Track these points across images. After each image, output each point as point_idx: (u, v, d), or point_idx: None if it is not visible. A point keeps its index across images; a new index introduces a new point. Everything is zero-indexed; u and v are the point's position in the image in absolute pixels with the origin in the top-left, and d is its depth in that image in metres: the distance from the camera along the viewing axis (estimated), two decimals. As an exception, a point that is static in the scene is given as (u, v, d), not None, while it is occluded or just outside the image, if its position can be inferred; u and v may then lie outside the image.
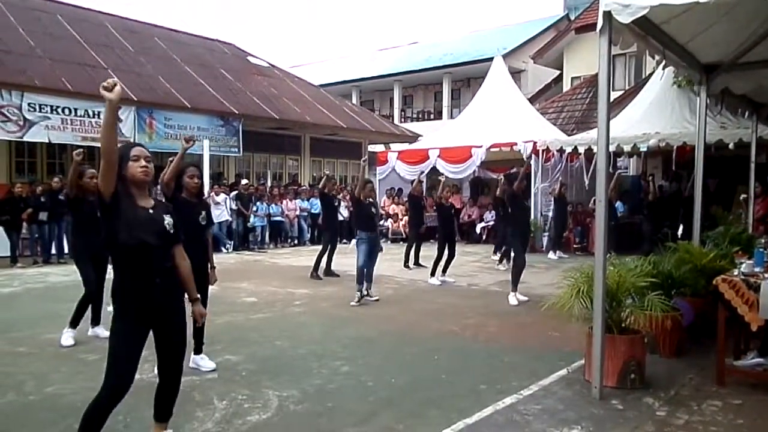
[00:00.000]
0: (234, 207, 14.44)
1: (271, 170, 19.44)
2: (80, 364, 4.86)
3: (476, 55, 26.98)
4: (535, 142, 13.88)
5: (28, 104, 12.45)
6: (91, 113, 13.35)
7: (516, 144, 14.20)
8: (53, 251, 11.74)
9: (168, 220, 3.04)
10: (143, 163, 2.96)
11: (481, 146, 14.81)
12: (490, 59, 19.09)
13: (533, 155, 13.87)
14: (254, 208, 14.75)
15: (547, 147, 13.80)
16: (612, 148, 10.64)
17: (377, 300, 7.85)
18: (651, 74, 14.58)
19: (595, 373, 4.16)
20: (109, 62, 15.59)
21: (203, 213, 4.77)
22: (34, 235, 11.72)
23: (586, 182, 13.30)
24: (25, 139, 12.63)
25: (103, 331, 5.45)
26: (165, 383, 3.16)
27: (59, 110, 12.91)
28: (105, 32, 17.66)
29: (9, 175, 13.44)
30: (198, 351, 4.84)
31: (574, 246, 14.02)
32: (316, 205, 15.02)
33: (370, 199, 8.10)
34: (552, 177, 14.10)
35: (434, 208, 10.59)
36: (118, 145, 2.88)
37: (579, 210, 14.42)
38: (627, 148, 12.44)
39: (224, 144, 16.02)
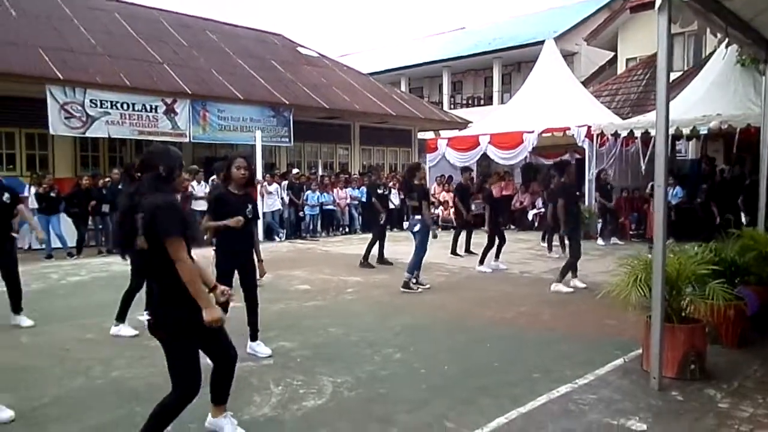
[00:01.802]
0: (285, 196, 14.68)
1: (321, 159, 19.64)
2: (143, 349, 5.05)
3: (526, 38, 26.41)
4: (588, 127, 13.54)
5: (90, 100, 12.95)
6: (147, 107, 13.78)
7: (569, 129, 13.90)
8: (116, 241, 12.19)
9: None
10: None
11: (532, 131, 14.55)
12: (541, 42, 18.65)
13: (587, 140, 13.56)
14: (304, 197, 14.96)
15: (602, 131, 13.44)
16: (671, 131, 10.27)
17: (429, 287, 7.85)
18: (712, 53, 13.95)
19: (653, 363, 4.06)
20: (164, 57, 16.02)
21: (250, 206, 4.81)
22: (98, 226, 12.23)
23: (642, 167, 12.91)
24: (87, 134, 13.15)
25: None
26: (219, 369, 3.25)
27: (118, 105, 13.38)
28: (160, 28, 18.15)
29: (74, 169, 14.03)
30: (254, 338, 4.96)
31: (630, 232, 13.66)
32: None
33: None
34: (606, 162, 13.74)
35: (482, 195, 10.51)
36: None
37: (636, 196, 14.03)
38: (686, 131, 11.98)
39: (275, 134, 16.26)
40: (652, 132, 11.25)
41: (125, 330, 5.62)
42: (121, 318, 5.67)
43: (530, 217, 15.99)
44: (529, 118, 15.00)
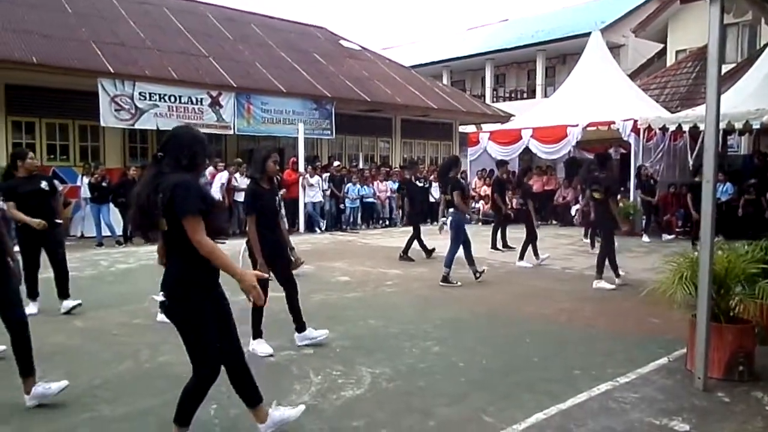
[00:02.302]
0: (326, 188, 14.82)
1: (362, 152, 19.72)
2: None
3: (572, 30, 25.90)
4: (635, 121, 13.23)
5: (139, 93, 13.30)
6: (194, 100, 14.08)
7: (614, 123, 13.61)
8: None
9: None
10: None
11: (576, 125, 14.30)
12: (587, 34, 18.28)
13: (633, 134, 13.25)
14: (345, 190, 15.08)
15: (649, 125, 13.11)
16: (722, 126, 9.95)
17: (460, 285, 7.80)
18: (767, 44, 13.45)
19: (698, 363, 3.97)
20: (210, 51, 16.33)
21: (278, 199, 4.96)
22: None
23: (690, 162, 12.55)
24: (136, 126, 13.52)
25: None
26: (230, 370, 3.13)
27: (166, 98, 13.71)
28: (206, 22, 18.50)
29: (123, 160, 14.46)
30: (301, 329, 5.03)
31: (677, 229, 13.31)
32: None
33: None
34: (654, 157, 13.41)
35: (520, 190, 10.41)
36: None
37: (683, 191, 13.64)
38: (738, 125, 11.58)
39: (317, 127, 16.40)
40: (702, 126, 10.93)
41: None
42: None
43: (573, 212, 15.73)
44: (573, 111, 14.75)
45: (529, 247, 9.36)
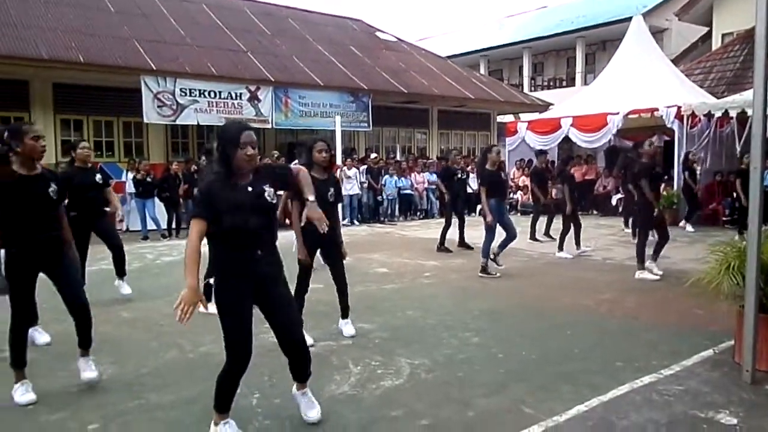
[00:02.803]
0: (364, 181, 14.88)
1: (399, 144, 19.72)
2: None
3: (612, 15, 25.31)
4: (679, 107, 12.87)
5: (180, 89, 13.59)
6: (233, 95, 14.31)
7: (657, 110, 13.26)
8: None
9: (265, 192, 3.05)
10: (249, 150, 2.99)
11: (617, 113, 14.00)
12: (628, 19, 17.82)
13: (677, 121, 12.90)
14: (383, 182, 15.11)
15: (693, 112, 12.74)
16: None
17: (502, 266, 7.77)
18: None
19: (746, 356, 3.87)
20: (248, 46, 16.54)
21: (332, 190, 4.82)
22: (189, 209, 12.87)
23: (738, 149, 12.14)
24: (177, 122, 13.82)
25: None
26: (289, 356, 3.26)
27: (206, 93, 13.97)
28: (244, 17, 18.73)
29: (166, 155, 14.80)
30: (344, 315, 5.12)
31: (723, 219, 12.93)
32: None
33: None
34: (698, 144, 13.04)
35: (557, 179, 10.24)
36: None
37: (730, 180, 13.23)
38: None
39: (354, 119, 16.47)
40: (749, 112, 10.58)
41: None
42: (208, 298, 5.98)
43: (614, 202, 15.44)
44: (614, 99, 14.42)
45: (569, 238, 9.23)
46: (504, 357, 4.51)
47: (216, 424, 3.14)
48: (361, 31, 22.07)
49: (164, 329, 5.42)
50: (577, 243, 9.27)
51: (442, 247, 9.78)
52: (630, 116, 13.92)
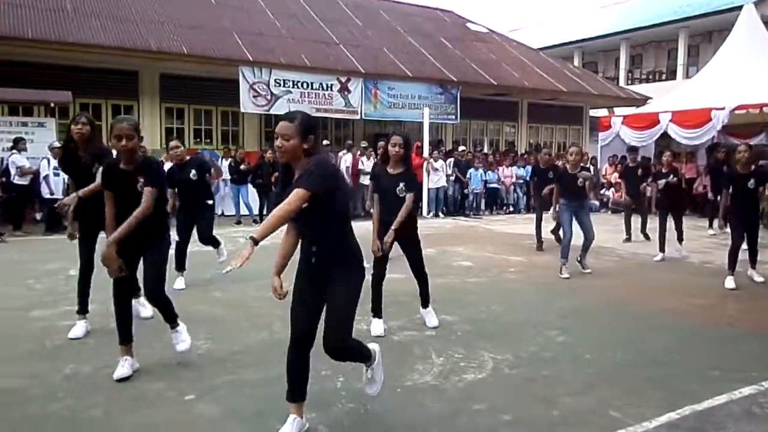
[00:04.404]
0: (451, 173, 14.83)
1: (487, 137, 19.49)
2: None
3: (720, 4, 23.76)
4: (793, 103, 11.97)
5: (275, 80, 14.06)
6: (324, 86, 14.65)
7: (767, 105, 12.38)
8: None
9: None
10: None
11: (723, 108, 13.17)
12: (739, 8, 16.71)
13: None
14: (469, 175, 15.00)
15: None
16: None
17: (590, 272, 7.55)
18: None
19: None
20: (340, 37, 16.84)
21: (402, 185, 4.82)
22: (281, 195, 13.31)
23: None
24: (271, 112, 14.30)
25: None
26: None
27: (298, 84, 14.38)
28: (337, 9, 19.08)
29: (260, 144, 15.38)
30: (425, 304, 5.16)
31: None
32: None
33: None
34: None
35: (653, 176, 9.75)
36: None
37: None
38: None
39: (442, 111, 16.42)
40: None
41: None
42: None
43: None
44: (719, 93, 13.59)
45: (670, 240, 8.77)
46: (591, 358, 4.41)
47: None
48: (452, 22, 21.92)
49: (255, 311, 5.67)
50: (680, 240, 8.83)
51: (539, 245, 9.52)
52: (737, 112, 13.07)
